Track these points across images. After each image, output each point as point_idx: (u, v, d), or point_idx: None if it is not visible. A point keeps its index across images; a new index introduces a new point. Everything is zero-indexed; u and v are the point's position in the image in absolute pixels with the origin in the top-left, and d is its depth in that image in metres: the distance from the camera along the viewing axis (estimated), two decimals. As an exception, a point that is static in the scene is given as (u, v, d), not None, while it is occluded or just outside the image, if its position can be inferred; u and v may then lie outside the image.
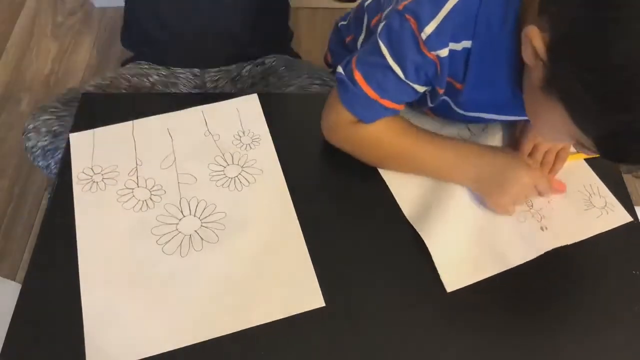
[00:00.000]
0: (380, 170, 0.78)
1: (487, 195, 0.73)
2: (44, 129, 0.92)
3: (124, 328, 0.65)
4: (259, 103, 0.85)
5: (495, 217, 0.74)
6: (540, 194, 0.74)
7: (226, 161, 0.79)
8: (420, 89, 0.70)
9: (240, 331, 0.65)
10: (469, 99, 0.69)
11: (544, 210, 0.75)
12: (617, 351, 0.65)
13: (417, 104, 0.77)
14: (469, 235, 0.72)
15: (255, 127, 0.83)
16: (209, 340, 0.64)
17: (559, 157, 0.78)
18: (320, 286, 0.68)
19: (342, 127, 0.75)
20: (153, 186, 0.76)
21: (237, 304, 0.67)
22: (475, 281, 0.69)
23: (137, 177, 0.77)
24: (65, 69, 1.73)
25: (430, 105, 0.76)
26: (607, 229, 0.74)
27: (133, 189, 0.76)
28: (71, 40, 1.79)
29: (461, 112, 0.73)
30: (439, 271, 0.69)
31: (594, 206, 0.76)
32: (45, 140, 0.92)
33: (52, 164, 0.94)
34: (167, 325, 0.65)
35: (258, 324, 0.65)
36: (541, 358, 0.65)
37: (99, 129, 0.82)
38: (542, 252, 0.71)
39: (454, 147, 0.76)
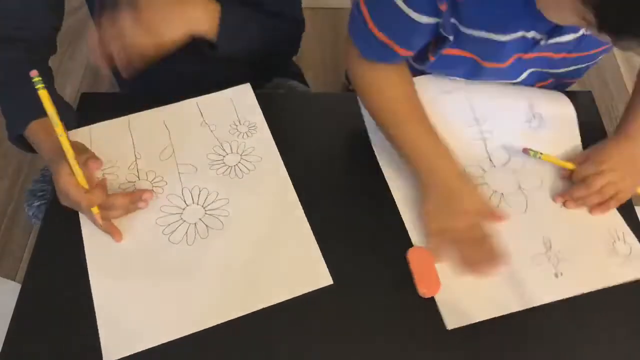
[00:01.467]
0: (394, 194, 0.76)
1: (424, 204, 0.72)
2: (40, 216, 0.90)
3: (136, 318, 0.65)
4: (252, 92, 0.86)
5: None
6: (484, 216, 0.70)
7: (225, 150, 0.79)
8: (420, 18, 0.67)
9: (251, 313, 0.66)
10: (473, 11, 0.67)
11: (562, 252, 0.71)
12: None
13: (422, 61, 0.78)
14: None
15: (250, 116, 0.83)
16: (220, 324, 0.65)
17: (616, 199, 0.74)
18: (327, 264, 0.69)
19: (351, 62, 0.77)
20: (154, 178, 0.77)
21: (246, 288, 0.67)
22: (476, 321, 0.66)
23: (137, 170, 0.77)
24: (65, 69, 1.73)
25: (437, 53, 0.75)
26: (629, 280, 0.69)
27: (135, 182, 0.76)
28: (71, 41, 1.79)
29: (468, 31, 0.70)
30: (440, 308, 0.66)
31: (617, 254, 0.71)
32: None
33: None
34: (178, 312, 0.66)
35: (267, 305, 0.66)
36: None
37: (95, 125, 0.82)
38: (551, 301, 0.67)
39: (433, 148, 0.73)
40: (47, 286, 0.68)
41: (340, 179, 0.79)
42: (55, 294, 0.67)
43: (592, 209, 0.74)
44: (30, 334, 0.64)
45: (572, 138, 0.82)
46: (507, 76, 0.81)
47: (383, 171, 0.78)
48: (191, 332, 0.64)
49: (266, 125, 0.82)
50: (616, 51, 1.83)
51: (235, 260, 0.69)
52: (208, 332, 0.64)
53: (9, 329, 0.65)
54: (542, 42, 0.70)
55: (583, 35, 0.70)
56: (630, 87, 1.75)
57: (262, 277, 0.68)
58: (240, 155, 0.79)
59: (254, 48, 0.87)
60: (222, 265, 0.69)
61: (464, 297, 0.67)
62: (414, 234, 0.72)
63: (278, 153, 0.79)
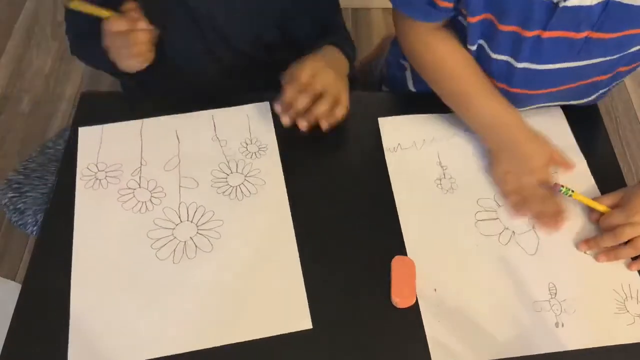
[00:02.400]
0: (401, 217, 0.74)
1: (494, 162, 0.78)
2: (11, 207, 0.93)
3: (108, 331, 0.65)
4: (270, 111, 0.83)
5: (505, 300, 0.68)
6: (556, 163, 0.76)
7: (230, 169, 0.78)
8: None
9: (224, 345, 0.64)
10: None
11: (567, 302, 0.68)
12: None
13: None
14: (471, 311, 0.67)
15: (263, 136, 0.81)
16: (191, 351, 0.63)
17: (633, 245, 0.71)
18: (310, 308, 0.66)
19: (403, 35, 0.82)
20: (154, 188, 0.76)
21: (223, 318, 0.66)
22: None
23: (139, 178, 0.77)
24: (65, 69, 1.73)
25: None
26: (636, 341, 0.65)
27: (135, 189, 0.75)
28: (71, 41, 1.79)
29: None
30: (429, 345, 0.64)
31: (627, 311, 0.67)
32: (15, 216, 0.93)
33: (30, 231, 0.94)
34: (151, 332, 0.65)
35: (243, 340, 0.64)
36: None
37: (107, 125, 0.81)
38: (547, 351, 0.64)
39: (501, 117, 0.77)
40: (47, 286, 0.67)
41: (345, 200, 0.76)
42: (55, 294, 0.67)
43: (630, 265, 0.70)
44: (30, 334, 0.64)
45: (586, 182, 0.78)
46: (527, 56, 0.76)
47: (393, 189, 0.76)
48: (159, 356, 0.63)
49: (277, 148, 0.80)
50: (616, 51, 1.82)
51: (217, 288, 0.68)
52: (177, 358, 0.63)
53: (9, 329, 0.64)
54: (561, 3, 0.66)
55: (608, 2, 0.65)
56: (630, 87, 1.75)
57: (242, 310, 0.66)
58: (245, 176, 0.77)
59: None
60: (203, 290, 0.68)
61: (455, 336, 0.65)
62: (410, 245, 0.71)
63: (283, 179, 0.77)
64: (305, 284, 0.68)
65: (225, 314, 0.66)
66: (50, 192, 0.77)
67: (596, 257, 0.71)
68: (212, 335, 0.64)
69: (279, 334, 0.65)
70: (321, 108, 0.76)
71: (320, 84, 0.77)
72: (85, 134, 0.80)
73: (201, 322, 0.65)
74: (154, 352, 0.63)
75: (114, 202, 0.74)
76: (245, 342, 0.64)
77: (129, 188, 0.76)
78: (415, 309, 0.67)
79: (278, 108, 0.77)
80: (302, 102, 0.76)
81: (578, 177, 0.78)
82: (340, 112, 0.78)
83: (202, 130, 0.82)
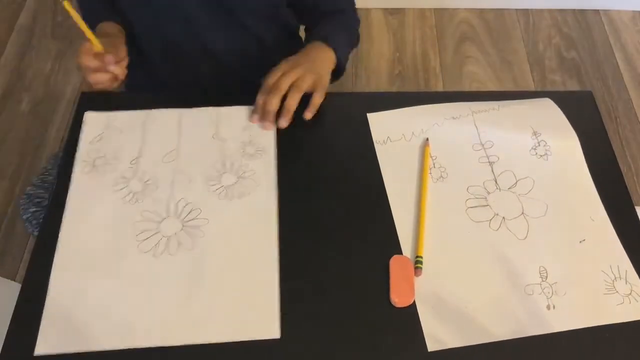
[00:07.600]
0: (392, 207, 0.75)
1: None
2: (34, 222, 0.92)
3: (82, 315, 0.65)
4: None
5: (497, 285, 0.69)
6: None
7: (225, 168, 0.78)
8: None
9: (191, 345, 0.64)
10: None
11: (558, 285, 0.69)
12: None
13: None
14: (463, 297, 0.68)
15: (262, 138, 0.81)
16: (158, 347, 0.63)
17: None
18: (282, 318, 0.65)
19: None
20: (148, 179, 0.76)
21: (195, 317, 0.65)
22: (458, 346, 0.64)
23: (136, 168, 0.77)
24: (65, 69, 1.73)
25: None
26: (625, 321, 0.66)
27: (129, 179, 0.76)
28: (71, 40, 1.79)
29: None
30: (423, 327, 0.65)
31: (617, 292, 0.68)
32: (37, 230, 0.93)
33: None
34: (120, 323, 0.65)
35: (211, 341, 0.64)
36: None
37: (113, 113, 0.82)
38: (540, 333, 0.65)
39: None
40: (47, 286, 0.67)
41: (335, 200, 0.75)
42: (54, 294, 0.66)
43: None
44: (30, 334, 0.64)
45: (578, 165, 0.80)
46: None
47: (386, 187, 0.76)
48: (123, 348, 0.63)
49: (274, 151, 0.79)
50: (616, 51, 1.83)
51: (194, 286, 0.67)
52: (143, 352, 0.63)
53: (9, 329, 0.64)
54: None
55: None
56: (630, 87, 1.75)
57: (214, 311, 0.66)
58: (238, 176, 0.77)
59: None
60: (180, 287, 0.67)
61: (448, 320, 0.66)
62: (406, 246, 0.71)
63: (276, 183, 0.76)
64: (280, 293, 0.67)
65: (196, 313, 0.66)
66: (50, 191, 0.77)
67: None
68: (180, 334, 0.64)
69: (246, 340, 0.64)
70: (291, 102, 0.80)
71: (286, 83, 0.80)
72: (91, 119, 0.82)
73: (172, 319, 0.65)
74: (119, 343, 0.63)
75: (107, 189, 0.75)
76: (212, 344, 0.64)
77: (124, 177, 0.76)
78: (412, 305, 0.67)
79: (254, 118, 0.82)
80: (271, 103, 0.80)
81: (577, 178, 0.79)
82: (317, 99, 0.82)
83: (204, 127, 0.82)
